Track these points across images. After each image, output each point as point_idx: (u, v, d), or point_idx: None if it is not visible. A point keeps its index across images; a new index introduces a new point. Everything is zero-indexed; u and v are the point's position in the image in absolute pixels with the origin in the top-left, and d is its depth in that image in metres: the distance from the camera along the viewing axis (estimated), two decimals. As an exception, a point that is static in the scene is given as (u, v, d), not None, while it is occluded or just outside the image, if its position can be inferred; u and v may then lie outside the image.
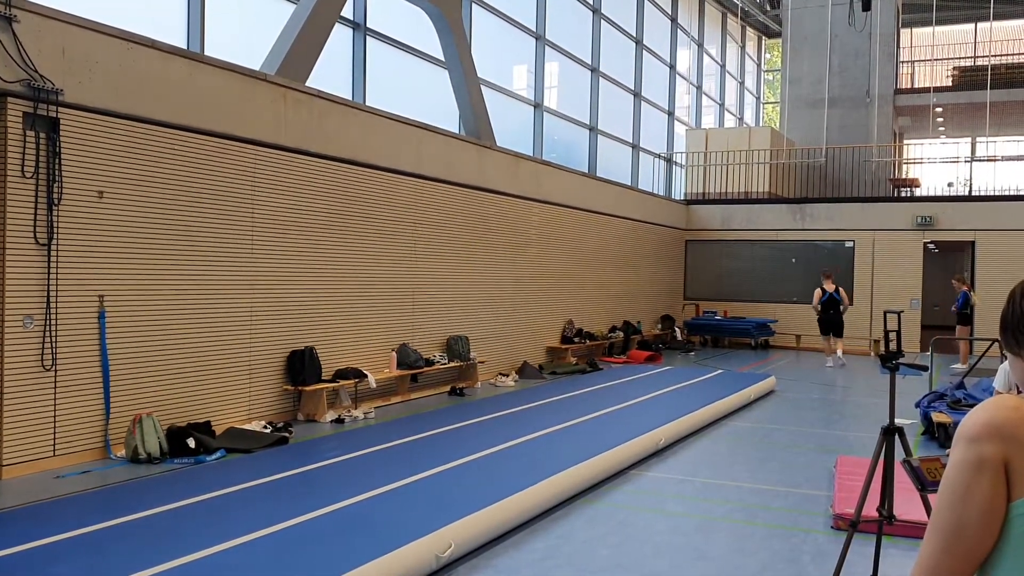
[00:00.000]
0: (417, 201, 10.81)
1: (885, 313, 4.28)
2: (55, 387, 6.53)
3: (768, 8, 29.13)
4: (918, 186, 22.37)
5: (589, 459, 6.43)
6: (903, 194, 21.63)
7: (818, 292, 15.59)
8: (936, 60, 25.41)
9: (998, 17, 24.25)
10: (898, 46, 24.21)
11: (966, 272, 17.92)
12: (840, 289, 15.55)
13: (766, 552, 4.98)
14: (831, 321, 15.48)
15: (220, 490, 5.57)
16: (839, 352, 15.50)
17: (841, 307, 15.42)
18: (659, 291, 19.19)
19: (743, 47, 29.76)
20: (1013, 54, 25.03)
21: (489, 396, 10.64)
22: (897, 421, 4.27)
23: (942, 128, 26.10)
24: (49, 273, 6.45)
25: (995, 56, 24.27)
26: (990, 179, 22.54)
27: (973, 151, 26.42)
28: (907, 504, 4.78)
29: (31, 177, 6.31)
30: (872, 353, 17.81)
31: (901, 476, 4.19)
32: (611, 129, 18.71)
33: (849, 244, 18.97)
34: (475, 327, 12.03)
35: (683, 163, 22.27)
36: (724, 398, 9.87)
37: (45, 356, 6.43)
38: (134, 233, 7.12)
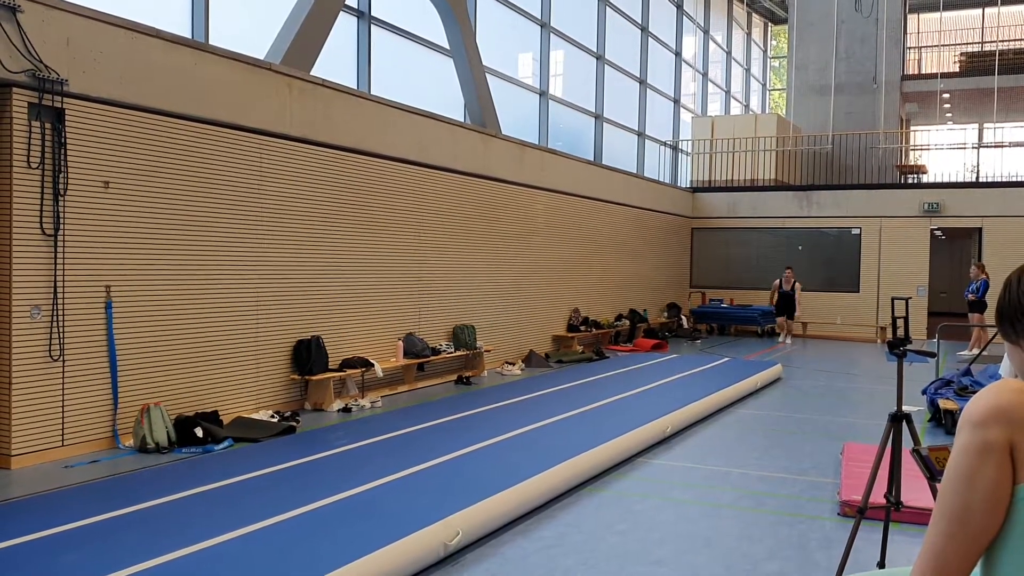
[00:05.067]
0: (422, 190, 10.80)
1: (892, 300, 4.27)
2: (63, 377, 6.56)
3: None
4: (925, 172, 22.26)
5: (596, 447, 6.44)
6: (910, 180, 21.54)
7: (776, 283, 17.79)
8: (943, 46, 25.23)
9: (1005, 2, 24.04)
10: (905, 31, 24.06)
11: (984, 260, 17.84)
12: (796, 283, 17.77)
13: (773, 539, 4.99)
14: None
15: (228, 479, 5.59)
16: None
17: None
18: (665, 279, 19.16)
19: (749, 33, 29.59)
20: (1021, 39, 24.82)
21: (495, 385, 10.65)
22: (904, 408, 4.27)
23: (949, 114, 25.95)
24: (56, 263, 6.47)
25: (1003, 41, 24.06)
26: (997, 165, 22.42)
27: (980, 137, 26.28)
28: (914, 491, 4.78)
29: (37, 168, 6.33)
30: (879, 340, 17.78)
31: (908, 463, 4.20)
32: (616, 117, 18.64)
33: (856, 231, 18.92)
34: (481, 316, 12.04)
35: (689, 151, 22.19)
36: (730, 386, 9.87)
37: (53, 346, 6.46)
38: (140, 223, 7.13)
